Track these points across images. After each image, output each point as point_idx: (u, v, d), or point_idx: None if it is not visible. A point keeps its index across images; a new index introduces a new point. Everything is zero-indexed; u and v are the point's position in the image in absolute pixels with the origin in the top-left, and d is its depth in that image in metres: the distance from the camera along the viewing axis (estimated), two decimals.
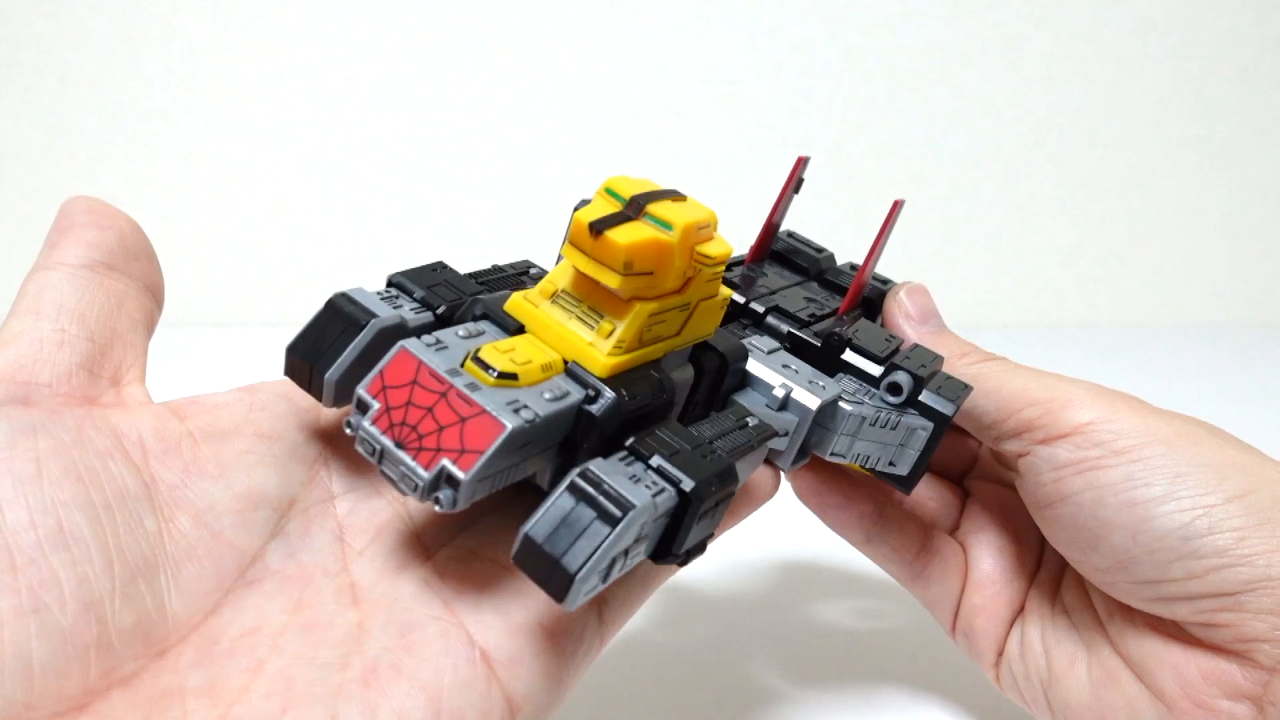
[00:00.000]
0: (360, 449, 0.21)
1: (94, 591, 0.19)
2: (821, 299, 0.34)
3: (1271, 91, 0.85)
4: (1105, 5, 0.81)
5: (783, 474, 0.29)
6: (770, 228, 0.36)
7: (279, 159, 0.77)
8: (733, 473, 0.23)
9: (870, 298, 0.36)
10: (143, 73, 0.73)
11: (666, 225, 0.22)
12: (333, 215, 0.79)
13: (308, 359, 0.23)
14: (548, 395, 0.22)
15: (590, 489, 0.20)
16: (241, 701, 0.19)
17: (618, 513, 0.20)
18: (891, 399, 0.29)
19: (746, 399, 0.28)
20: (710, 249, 0.23)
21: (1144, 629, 0.29)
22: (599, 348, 0.23)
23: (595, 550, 0.20)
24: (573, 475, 0.21)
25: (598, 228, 0.21)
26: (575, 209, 0.25)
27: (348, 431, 0.21)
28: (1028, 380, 0.30)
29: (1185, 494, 0.27)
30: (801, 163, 0.35)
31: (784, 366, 0.29)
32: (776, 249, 0.37)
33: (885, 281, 0.36)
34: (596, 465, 0.21)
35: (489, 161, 0.79)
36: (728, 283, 0.32)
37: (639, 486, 0.21)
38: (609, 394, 0.22)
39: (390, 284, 0.26)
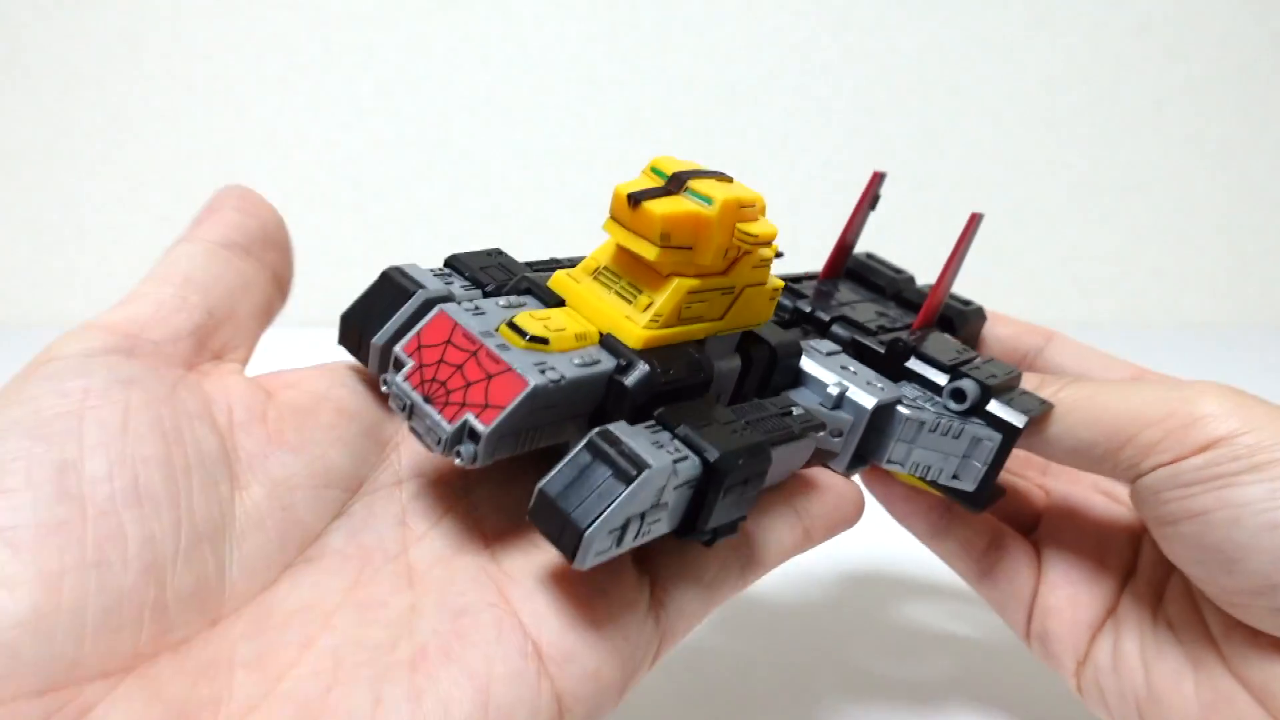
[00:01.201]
0: (392, 404, 0.22)
1: (158, 552, 0.19)
2: (894, 314, 0.33)
3: (1271, 91, 0.86)
4: (1105, 5, 0.82)
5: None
6: (844, 244, 0.35)
7: (282, 159, 0.76)
8: (764, 450, 0.22)
9: (949, 317, 0.34)
10: (144, 71, 0.73)
11: (707, 199, 0.22)
12: (335, 214, 0.78)
13: (358, 325, 0.24)
14: (577, 361, 0.22)
15: (608, 447, 0.20)
16: (288, 678, 0.19)
17: (632, 471, 0.19)
18: (954, 406, 0.27)
19: (800, 396, 0.27)
20: (753, 228, 0.23)
21: (1270, 651, 0.27)
22: (635, 320, 0.23)
23: (607, 508, 0.19)
24: (592, 434, 0.20)
25: (636, 199, 0.21)
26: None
27: (383, 389, 0.22)
28: (1129, 398, 0.27)
29: None
30: (877, 179, 0.34)
31: (842, 368, 0.27)
32: (852, 267, 0.35)
33: (967, 303, 0.35)
34: (617, 427, 0.21)
35: (499, 161, 0.79)
36: (797, 294, 0.31)
37: (660, 450, 0.20)
38: (642, 365, 0.22)
39: (446, 263, 0.26)
